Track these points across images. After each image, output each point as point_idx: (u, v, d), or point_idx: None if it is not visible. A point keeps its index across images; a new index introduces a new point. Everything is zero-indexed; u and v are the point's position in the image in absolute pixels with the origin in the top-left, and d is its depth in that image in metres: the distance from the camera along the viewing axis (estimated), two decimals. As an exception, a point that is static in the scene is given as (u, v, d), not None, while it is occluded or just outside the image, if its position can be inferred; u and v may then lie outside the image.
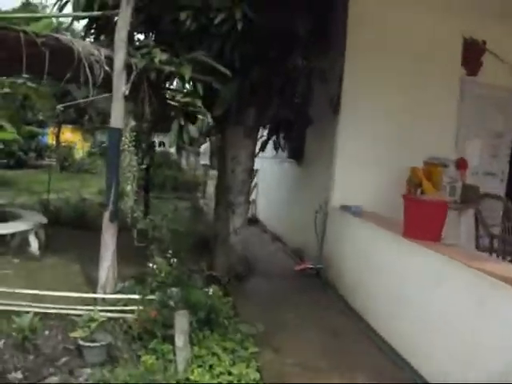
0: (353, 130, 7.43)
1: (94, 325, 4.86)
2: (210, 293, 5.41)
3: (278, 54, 6.51)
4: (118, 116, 5.70)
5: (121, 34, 5.61)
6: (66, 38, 5.69)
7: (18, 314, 5.03)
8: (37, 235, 7.86)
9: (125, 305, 5.59)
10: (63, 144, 20.14)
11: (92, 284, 6.71)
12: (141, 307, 5.19)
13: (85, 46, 5.65)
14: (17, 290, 5.44)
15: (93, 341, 4.70)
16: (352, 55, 7.37)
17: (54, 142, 20.03)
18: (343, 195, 7.42)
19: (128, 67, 5.69)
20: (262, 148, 7.79)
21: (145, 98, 6.01)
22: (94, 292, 6.00)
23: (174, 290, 5.42)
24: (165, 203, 13.95)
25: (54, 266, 7.47)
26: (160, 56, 5.70)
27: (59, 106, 13.34)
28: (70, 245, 8.61)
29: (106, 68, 5.67)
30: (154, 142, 10.53)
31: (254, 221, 11.29)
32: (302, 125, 7.58)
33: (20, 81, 13.73)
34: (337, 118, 7.57)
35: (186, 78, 5.66)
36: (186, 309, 5.03)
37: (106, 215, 5.77)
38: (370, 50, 7.35)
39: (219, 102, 6.50)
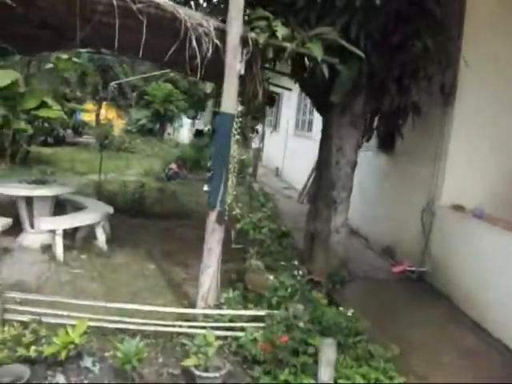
0: (469, 122, 6.34)
1: (211, 351, 3.89)
2: (350, 313, 4.42)
3: (402, 37, 5.40)
4: (230, 99, 4.66)
5: (238, 0, 4.50)
6: (168, 3, 4.58)
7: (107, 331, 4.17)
8: (103, 227, 6.85)
9: (230, 320, 4.60)
10: (102, 121, 19.12)
11: (177, 288, 5.84)
12: (255, 325, 4.30)
13: (192, 15, 4.54)
14: (109, 305, 4.44)
15: (208, 369, 3.78)
16: (471, 38, 6.20)
17: (91, 119, 18.99)
18: (454, 194, 6.40)
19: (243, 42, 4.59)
20: (368, 139, 6.68)
21: (257, 80, 4.91)
22: (192, 303, 5.05)
23: (300, 306, 4.44)
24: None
25: (126, 264, 6.52)
26: (282, 30, 4.58)
27: (113, 83, 12.27)
28: (136, 237, 7.69)
29: (217, 42, 4.55)
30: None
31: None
32: (410, 114, 6.42)
33: (64, 56, 12.72)
34: (449, 108, 6.45)
35: (319, 58, 4.55)
36: (318, 331, 4.28)
37: (212, 216, 4.77)
38: (493, 33, 6.18)
39: (338, 86, 5.39)
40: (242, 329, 4.48)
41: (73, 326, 3.93)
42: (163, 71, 17.66)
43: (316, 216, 6.39)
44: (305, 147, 12.66)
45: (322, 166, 6.35)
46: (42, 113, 12.02)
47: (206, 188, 5.96)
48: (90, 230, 6.84)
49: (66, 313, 4.28)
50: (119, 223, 7.93)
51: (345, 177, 6.22)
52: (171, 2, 4.78)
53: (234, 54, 4.55)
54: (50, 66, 12.89)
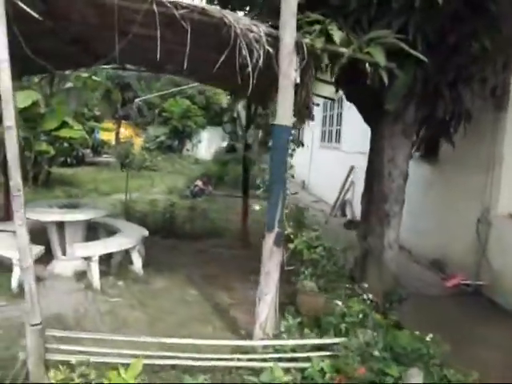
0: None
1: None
2: (428, 338, 3.95)
3: (458, 38, 4.97)
4: (286, 110, 4.22)
5: (291, 3, 4.10)
6: (214, 8, 4.20)
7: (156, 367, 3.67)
8: (139, 251, 6.44)
9: (293, 350, 4.14)
10: (122, 140, 18.84)
11: (224, 315, 5.40)
12: (321, 354, 3.82)
13: (240, 21, 4.12)
14: (164, 340, 3.98)
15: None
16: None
17: (110, 138, 18.74)
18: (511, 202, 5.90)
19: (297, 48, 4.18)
20: (418, 148, 6.22)
21: (309, 90, 4.49)
22: (243, 331, 4.64)
23: (369, 332, 4.00)
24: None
25: (166, 290, 6.08)
26: (337, 35, 4.17)
27: (138, 100, 11.93)
28: (171, 260, 7.26)
29: (268, 48, 4.13)
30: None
31: (355, 224, 9.65)
32: (460, 121, 5.96)
33: (85, 74, 12.44)
34: (501, 112, 6.00)
35: (382, 64, 4.13)
36: (392, 358, 3.86)
37: (270, 238, 4.33)
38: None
39: (394, 93, 4.96)
40: (307, 359, 4.03)
41: (125, 365, 3.51)
42: (181, 87, 17.43)
43: (368, 231, 5.92)
44: (333, 159, 12.24)
45: (373, 178, 5.89)
46: (64, 133, 11.73)
47: (257, 207, 5.57)
48: (125, 255, 6.43)
49: (115, 350, 3.84)
50: (151, 245, 7.48)
51: (397, 189, 5.76)
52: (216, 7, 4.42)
53: (289, 61, 4.13)
54: (70, 84, 12.63)
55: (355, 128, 8.67)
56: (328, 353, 4.07)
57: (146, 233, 6.71)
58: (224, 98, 22.47)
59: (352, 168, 10.60)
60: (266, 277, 4.39)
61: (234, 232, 9.27)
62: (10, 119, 3.70)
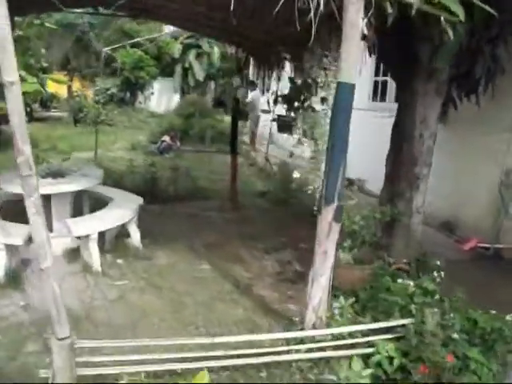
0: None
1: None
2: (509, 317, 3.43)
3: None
4: (351, 64, 3.38)
5: None
6: None
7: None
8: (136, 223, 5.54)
9: (350, 335, 3.60)
10: (75, 93, 17.02)
11: (248, 292, 4.74)
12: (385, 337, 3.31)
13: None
14: (216, 340, 3.22)
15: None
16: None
17: (59, 92, 16.87)
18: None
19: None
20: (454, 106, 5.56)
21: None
22: (279, 311, 4.15)
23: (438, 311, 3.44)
24: (217, 158, 11.61)
25: (173, 266, 5.28)
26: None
27: (106, 49, 10.46)
28: (165, 228, 6.41)
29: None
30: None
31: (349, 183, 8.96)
32: (493, 79, 5.32)
33: (36, 21, 10.81)
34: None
35: (461, 17, 3.39)
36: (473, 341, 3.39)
37: (328, 213, 3.58)
38: None
39: (448, 49, 4.23)
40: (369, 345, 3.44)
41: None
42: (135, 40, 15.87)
43: (395, 196, 5.29)
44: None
45: (402, 139, 5.22)
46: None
47: (296, 174, 4.78)
48: (121, 228, 5.50)
49: (158, 356, 3.06)
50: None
51: (427, 151, 5.16)
52: None
53: (357, 8, 3.27)
54: (19, 33, 10.93)
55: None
56: (391, 335, 3.50)
57: (141, 201, 5.76)
58: (176, 48, 20.88)
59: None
60: (323, 256, 3.68)
61: (220, 192, 8.47)
62: (11, 73, 2.69)
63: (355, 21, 3.27)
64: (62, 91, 16.35)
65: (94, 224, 4.89)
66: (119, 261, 5.23)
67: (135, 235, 5.47)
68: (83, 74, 19.50)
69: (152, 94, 20.16)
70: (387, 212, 4.87)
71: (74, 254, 5.20)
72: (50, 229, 5.26)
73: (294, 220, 7.18)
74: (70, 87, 16.53)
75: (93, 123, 15.72)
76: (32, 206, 2.73)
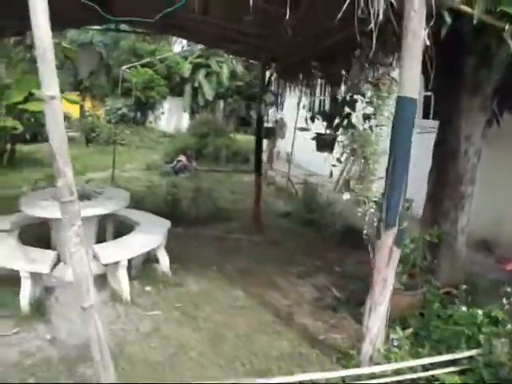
0: None
1: None
2: None
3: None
4: (412, 78, 3.07)
5: None
6: None
7: None
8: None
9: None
10: (88, 113, 16.79)
11: (289, 322, 4.40)
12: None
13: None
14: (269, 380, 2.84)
15: None
16: None
17: (70, 111, 16.60)
18: None
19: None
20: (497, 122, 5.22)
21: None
22: (325, 342, 3.68)
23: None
24: (234, 178, 11.29)
25: (206, 294, 4.91)
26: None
27: (125, 67, 10.21)
28: (192, 252, 6.08)
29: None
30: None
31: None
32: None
33: (54, 40, 10.55)
34: None
35: None
36: None
37: (388, 237, 3.22)
38: None
39: (500, 61, 3.94)
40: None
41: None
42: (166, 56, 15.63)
43: (439, 216, 4.94)
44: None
45: (446, 158, 4.88)
46: (32, 106, 9.96)
47: (346, 196, 4.42)
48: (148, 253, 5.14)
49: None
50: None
51: (472, 168, 4.82)
52: None
53: (420, 18, 2.97)
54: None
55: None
56: (455, 368, 3.16)
57: (169, 224, 5.42)
58: (185, 67, 20.77)
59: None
60: (382, 284, 3.31)
61: (243, 213, 8.12)
62: (52, 87, 2.39)
63: (418, 30, 2.97)
64: (73, 111, 16.13)
65: (123, 250, 4.53)
66: (148, 288, 4.87)
67: (164, 260, 5.12)
68: (93, 94, 19.34)
69: (162, 113, 19.96)
70: (435, 233, 4.51)
71: (99, 280, 4.84)
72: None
73: (323, 242, 6.89)
74: (82, 107, 16.31)
75: (105, 143, 15.59)
76: (74, 236, 2.40)
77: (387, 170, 3.24)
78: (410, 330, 3.68)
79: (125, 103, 18.48)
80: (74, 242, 2.42)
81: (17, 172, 10.39)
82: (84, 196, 5.01)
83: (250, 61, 7.45)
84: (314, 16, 3.66)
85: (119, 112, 18.43)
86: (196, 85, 21.21)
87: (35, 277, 4.19)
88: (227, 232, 7.11)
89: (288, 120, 10.57)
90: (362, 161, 3.93)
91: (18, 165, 11.08)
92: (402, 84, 3.08)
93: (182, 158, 11.75)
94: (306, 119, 5.10)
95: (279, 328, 4.26)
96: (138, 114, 18.67)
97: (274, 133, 7.48)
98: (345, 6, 2.80)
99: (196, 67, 21.08)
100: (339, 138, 4.61)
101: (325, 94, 9.09)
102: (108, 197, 5.11)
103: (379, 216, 3.38)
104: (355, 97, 4.43)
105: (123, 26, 6.92)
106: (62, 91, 9.28)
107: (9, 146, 11.02)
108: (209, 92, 21.07)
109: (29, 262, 4.12)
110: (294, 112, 8.92)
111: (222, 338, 4.01)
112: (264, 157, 13.12)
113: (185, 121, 22.44)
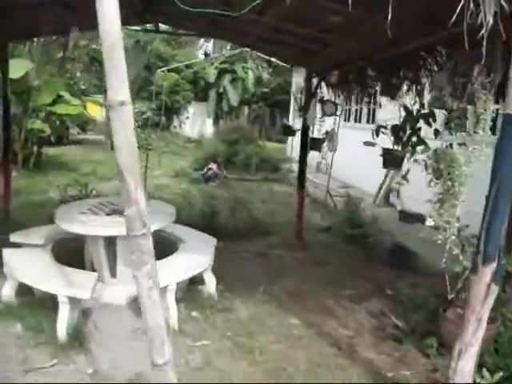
0: None
1: None
2: None
3: None
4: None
5: None
6: None
7: None
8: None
9: None
10: None
11: (353, 356, 3.97)
12: None
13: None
14: None
15: None
16: None
17: (95, 114, 16.26)
18: None
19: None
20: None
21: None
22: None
23: None
24: (265, 188, 10.81)
25: (257, 320, 4.45)
26: None
27: (163, 69, 9.77)
28: (234, 270, 5.61)
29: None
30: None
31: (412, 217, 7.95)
32: None
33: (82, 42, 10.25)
34: None
35: None
36: None
37: (487, 274, 2.72)
38: None
39: None
40: None
41: None
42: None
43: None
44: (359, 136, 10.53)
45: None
46: (60, 109, 9.59)
47: (430, 222, 3.89)
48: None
49: None
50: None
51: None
52: None
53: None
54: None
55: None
56: None
57: (215, 242, 4.93)
58: (211, 72, 20.40)
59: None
60: (475, 324, 2.80)
61: (281, 227, 7.62)
62: (121, 90, 1.91)
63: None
64: (97, 114, 15.79)
65: (171, 272, 4.04)
66: (194, 313, 4.39)
67: (211, 282, 4.64)
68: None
69: (187, 118, 19.55)
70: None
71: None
72: (114, 274, 4.47)
73: (370, 261, 6.39)
74: (108, 110, 15.88)
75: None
76: (146, 278, 1.91)
77: (488, 195, 2.73)
78: (499, 375, 3.14)
79: (149, 107, 18.13)
80: (147, 285, 1.93)
81: (43, 176, 10.02)
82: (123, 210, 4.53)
83: (297, 67, 6.85)
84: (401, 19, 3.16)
85: (144, 116, 18.05)
86: (221, 90, 20.83)
87: (74, 301, 3.71)
88: (269, 247, 6.62)
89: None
90: (449, 183, 3.40)
91: (44, 168, 10.71)
92: (508, 100, 2.56)
93: (213, 165, 11.28)
94: (373, 133, 4.59)
95: (342, 361, 3.79)
96: (163, 119, 18.25)
97: (321, 145, 6.92)
98: (458, 10, 2.27)
99: (221, 72, 20.71)
100: (419, 156, 4.05)
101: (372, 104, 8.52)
102: (152, 211, 4.61)
103: (475, 248, 2.88)
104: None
105: (162, 27, 6.49)
106: (84, 94, 8.80)
107: (35, 149, 10.65)
108: (234, 98, 20.68)
109: (68, 285, 3.66)
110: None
111: (283, 374, 3.54)
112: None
113: (209, 126, 22.06)
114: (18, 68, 8.16)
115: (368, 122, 10.83)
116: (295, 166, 12.70)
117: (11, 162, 7.26)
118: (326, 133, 6.54)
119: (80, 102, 10.26)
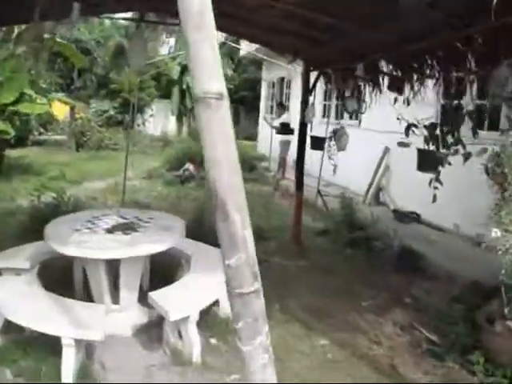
0: None
1: None
2: None
3: None
4: None
5: None
6: None
7: None
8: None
9: None
10: (78, 116, 15.23)
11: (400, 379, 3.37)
12: None
13: None
14: None
15: None
16: None
17: (57, 114, 15.07)
18: None
19: None
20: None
21: None
22: None
23: None
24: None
25: (284, 343, 3.84)
26: None
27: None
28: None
29: None
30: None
31: (409, 217, 7.56)
32: None
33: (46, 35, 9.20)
34: None
35: None
36: None
37: None
38: None
39: None
40: None
41: None
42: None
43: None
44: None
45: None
46: (25, 108, 8.60)
47: (496, 234, 3.39)
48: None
49: None
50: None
51: None
52: None
53: None
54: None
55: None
56: None
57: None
58: (174, 69, 19.46)
59: (387, 149, 8.57)
60: None
61: (275, 231, 7.03)
62: (216, 79, 1.26)
63: None
64: (60, 113, 14.63)
65: (191, 299, 3.39)
66: (213, 341, 3.76)
67: (226, 303, 3.98)
68: (78, 95, 17.81)
69: (151, 116, 18.58)
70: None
71: (146, 333, 3.71)
72: (116, 300, 3.77)
73: (375, 265, 5.90)
74: (73, 109, 14.80)
75: (96, 148, 14.21)
76: (261, 351, 1.29)
77: None
78: None
79: (112, 105, 17.10)
80: (262, 362, 1.32)
81: (7, 182, 9.01)
82: (127, 225, 3.83)
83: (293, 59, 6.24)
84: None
85: (106, 114, 16.98)
86: (184, 87, 19.93)
87: (80, 342, 3.00)
88: (268, 254, 6.01)
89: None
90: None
91: (7, 173, 9.66)
92: None
93: (190, 166, 10.53)
94: (407, 131, 4.04)
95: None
96: (126, 117, 17.21)
97: (323, 144, 6.36)
98: None
99: (184, 69, 19.80)
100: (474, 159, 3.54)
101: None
102: (161, 226, 3.92)
103: None
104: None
105: (149, 17, 5.72)
106: (49, 91, 7.74)
107: (-3, 153, 9.62)
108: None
109: (72, 323, 2.94)
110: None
111: None
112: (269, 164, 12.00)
113: (172, 124, 21.12)
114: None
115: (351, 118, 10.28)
116: (272, 165, 12.15)
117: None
118: (334, 132, 5.97)
119: (45, 101, 9.26)
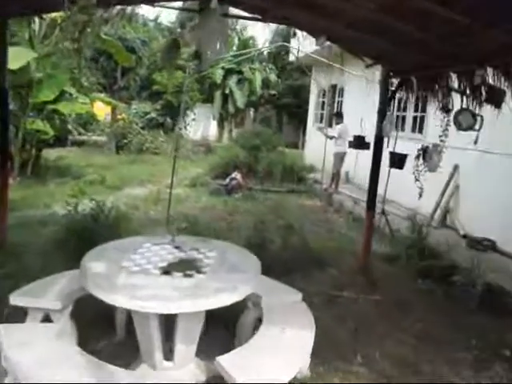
0: None
1: None
2: None
3: None
4: None
5: None
6: None
7: None
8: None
9: None
10: (119, 117, 14.59)
11: None
12: None
13: None
14: None
15: None
16: None
17: (98, 114, 14.48)
18: None
19: None
20: None
21: None
22: None
23: None
24: (292, 201, 9.18)
25: None
26: None
27: (190, 64, 8.12)
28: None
29: None
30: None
31: (484, 243, 6.44)
32: None
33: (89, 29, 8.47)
34: None
35: None
36: None
37: None
38: None
39: None
40: None
41: None
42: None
43: None
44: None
45: None
46: (65, 107, 7.88)
47: None
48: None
49: None
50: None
51: None
52: None
53: None
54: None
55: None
56: None
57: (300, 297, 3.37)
58: (217, 73, 18.72)
59: (456, 167, 7.47)
60: None
61: (336, 254, 6.06)
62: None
63: None
64: (100, 113, 14.03)
65: (276, 368, 2.45)
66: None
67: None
68: (120, 96, 17.23)
69: (193, 119, 17.82)
70: None
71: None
72: (168, 355, 2.86)
73: (457, 303, 4.85)
74: (114, 110, 14.17)
75: (137, 151, 13.52)
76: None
77: None
78: None
79: (153, 107, 16.42)
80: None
81: (43, 185, 8.31)
82: (188, 263, 2.92)
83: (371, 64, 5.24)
84: None
85: (147, 116, 16.31)
86: (227, 91, 19.17)
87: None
88: (334, 287, 5.05)
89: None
90: None
91: (43, 174, 8.97)
92: None
93: (238, 175, 9.63)
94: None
95: None
96: (168, 120, 16.49)
97: (403, 162, 5.41)
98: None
99: (228, 73, 19.08)
100: None
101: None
102: (230, 265, 2.99)
103: None
104: None
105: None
106: (91, 91, 6.83)
107: (33, 152, 8.92)
108: (240, 99, 19.05)
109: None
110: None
111: None
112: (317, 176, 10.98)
113: (213, 129, 20.39)
114: (16, 56, 6.45)
115: (414, 131, 9.22)
116: (319, 176, 11.12)
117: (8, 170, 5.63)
118: (424, 150, 4.99)
119: (87, 100, 8.55)
